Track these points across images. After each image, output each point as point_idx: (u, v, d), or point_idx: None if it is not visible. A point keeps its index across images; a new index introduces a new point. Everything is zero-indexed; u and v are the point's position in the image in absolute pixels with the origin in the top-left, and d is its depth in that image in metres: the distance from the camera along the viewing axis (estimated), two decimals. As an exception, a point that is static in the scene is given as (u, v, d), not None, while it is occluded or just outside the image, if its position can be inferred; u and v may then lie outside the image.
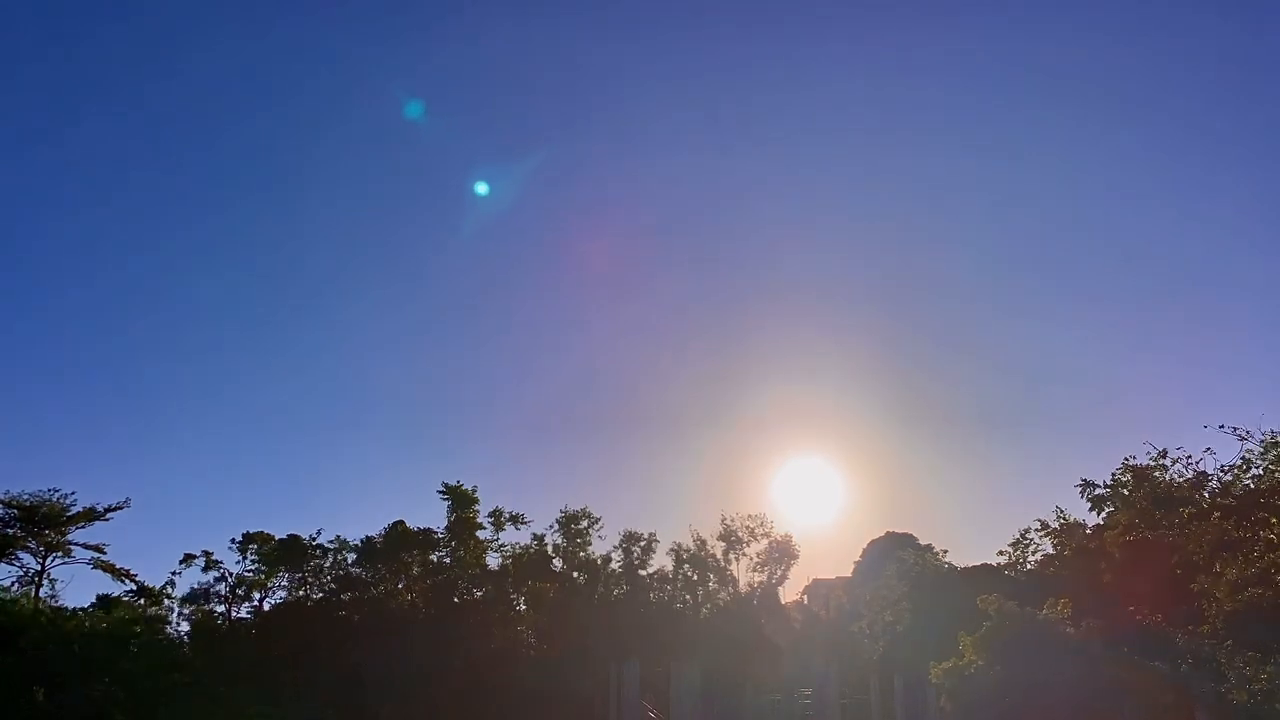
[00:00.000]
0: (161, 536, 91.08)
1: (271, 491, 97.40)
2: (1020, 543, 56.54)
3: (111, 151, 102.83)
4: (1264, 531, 14.80)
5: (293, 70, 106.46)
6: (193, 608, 48.34)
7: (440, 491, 48.72)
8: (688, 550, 63.39)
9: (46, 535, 42.75)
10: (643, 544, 62.21)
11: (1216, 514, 15.82)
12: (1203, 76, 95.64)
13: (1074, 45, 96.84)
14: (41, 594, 42.43)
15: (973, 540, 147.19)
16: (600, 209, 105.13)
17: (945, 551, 62.17)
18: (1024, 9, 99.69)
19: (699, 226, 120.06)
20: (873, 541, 77.44)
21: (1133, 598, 33.06)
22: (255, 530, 50.67)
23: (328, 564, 50.94)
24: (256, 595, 50.80)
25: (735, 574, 64.23)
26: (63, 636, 32.81)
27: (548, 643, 51.77)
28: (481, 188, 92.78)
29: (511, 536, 55.65)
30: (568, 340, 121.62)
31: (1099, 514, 47.27)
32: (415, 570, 47.30)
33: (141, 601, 44.06)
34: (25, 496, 42.18)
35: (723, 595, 63.80)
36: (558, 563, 60.23)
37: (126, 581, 44.32)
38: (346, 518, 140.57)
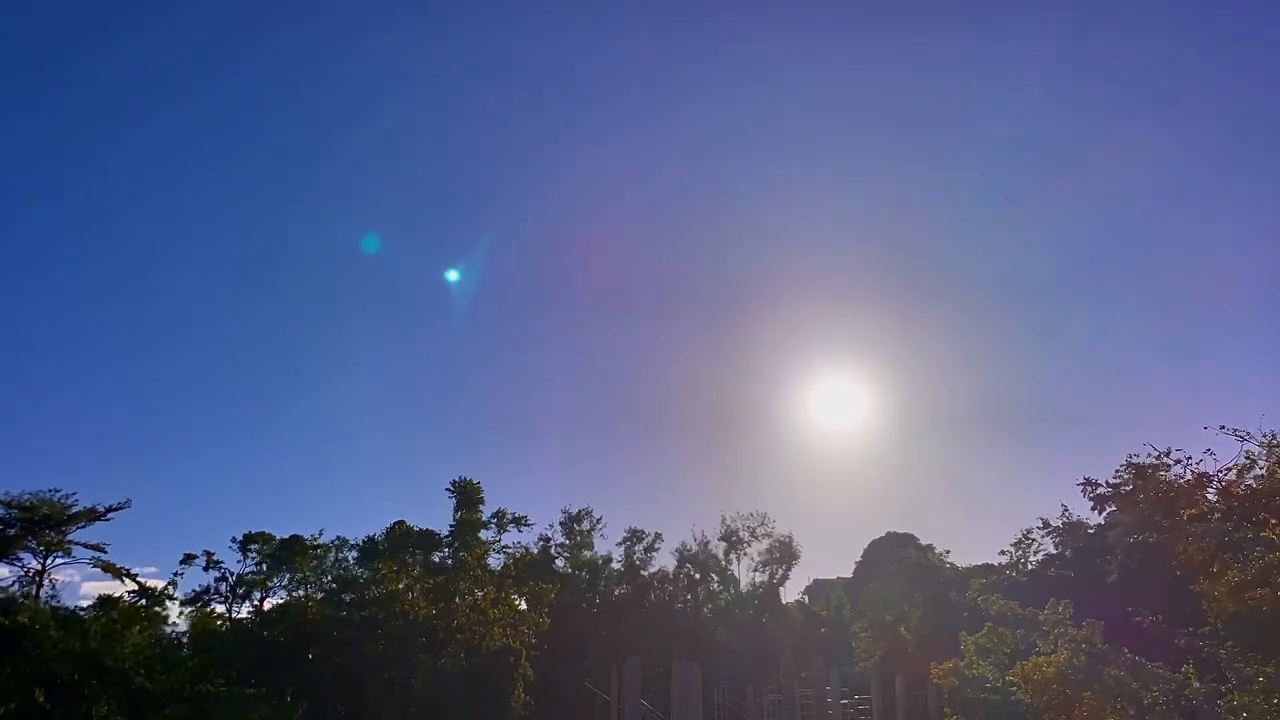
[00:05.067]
0: (161, 536, 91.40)
1: (272, 491, 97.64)
2: (1022, 543, 56.47)
3: (115, 162, 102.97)
4: (1265, 533, 14.70)
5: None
6: (193, 608, 48.34)
7: (447, 489, 48.82)
8: (689, 550, 63.41)
9: (47, 535, 42.66)
10: (645, 543, 62.22)
11: (1217, 515, 15.69)
12: (1206, 77, 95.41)
13: (1083, 45, 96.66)
14: (42, 594, 42.38)
15: (974, 540, 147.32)
16: (592, 220, 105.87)
17: (947, 551, 62.17)
18: (1031, 7, 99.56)
19: (696, 228, 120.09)
20: (873, 541, 77.45)
21: (1134, 598, 32.94)
22: (256, 530, 50.69)
23: (329, 564, 50.91)
24: (257, 595, 50.77)
25: (737, 574, 64.23)
26: (63, 636, 32.73)
27: (549, 642, 51.68)
28: (452, 275, 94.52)
29: (514, 538, 55.66)
30: (568, 344, 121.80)
31: (1101, 514, 47.20)
32: (416, 570, 47.20)
33: (142, 601, 43.98)
34: (26, 496, 42.13)
35: (724, 595, 63.73)
36: (560, 562, 60.21)
37: (127, 581, 44.24)
38: (347, 518, 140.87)
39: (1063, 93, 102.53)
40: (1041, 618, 25.83)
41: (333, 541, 51.09)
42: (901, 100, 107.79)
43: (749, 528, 63.81)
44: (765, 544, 63.84)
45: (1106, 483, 22.06)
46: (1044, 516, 54.11)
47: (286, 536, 50.35)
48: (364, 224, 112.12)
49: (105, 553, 43.88)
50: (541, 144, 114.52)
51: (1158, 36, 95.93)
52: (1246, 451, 15.49)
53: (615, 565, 61.73)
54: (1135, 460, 19.17)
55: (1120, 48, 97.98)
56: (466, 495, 48.49)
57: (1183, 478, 16.95)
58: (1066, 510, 52.64)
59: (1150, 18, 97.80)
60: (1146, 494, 18.13)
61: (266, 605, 50.30)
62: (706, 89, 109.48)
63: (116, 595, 42.71)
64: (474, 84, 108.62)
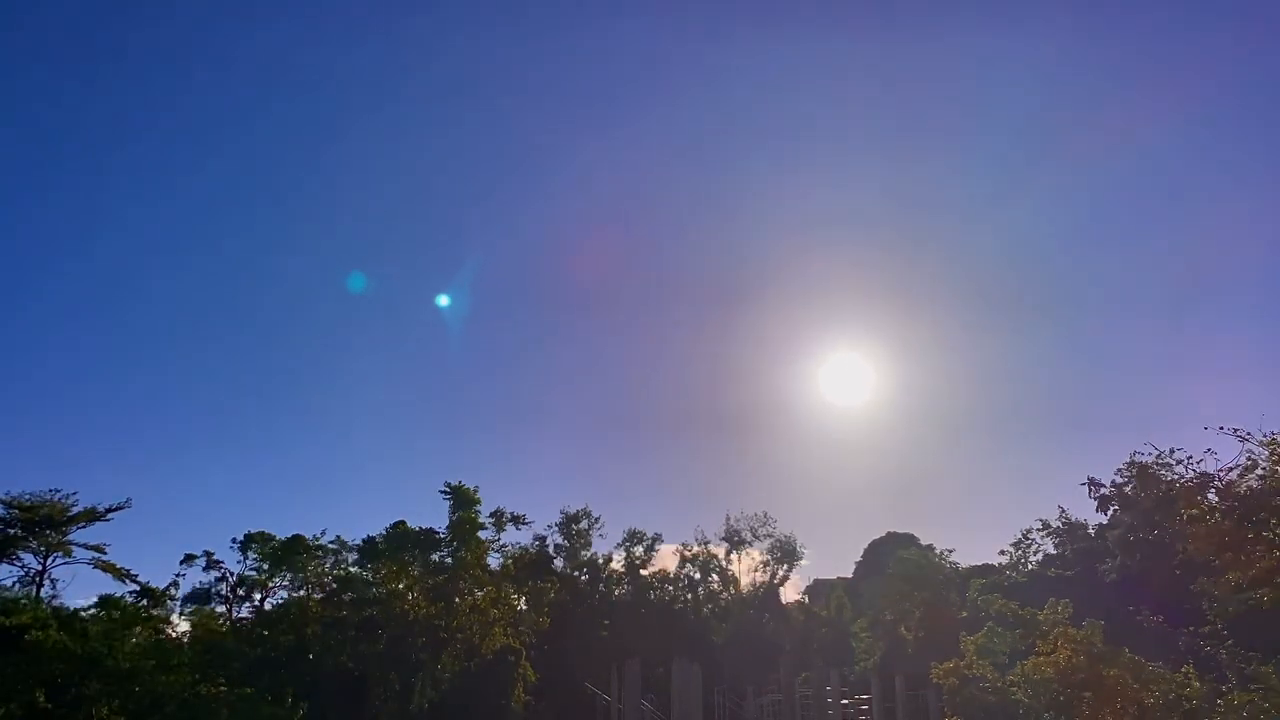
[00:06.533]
0: (161, 536, 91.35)
1: (272, 491, 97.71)
2: (1022, 543, 56.54)
3: (115, 154, 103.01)
4: (1266, 533, 14.70)
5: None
6: (193, 608, 48.36)
7: (442, 491, 48.68)
8: (690, 550, 63.53)
9: (48, 535, 42.69)
10: (645, 544, 62.37)
11: (1218, 515, 15.71)
12: (1207, 76, 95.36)
13: (1083, 47, 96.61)
14: (43, 594, 42.41)
15: (974, 540, 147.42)
16: (586, 222, 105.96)
17: (947, 551, 62.29)
18: (1034, 7, 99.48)
19: (692, 227, 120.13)
20: (874, 541, 77.50)
21: (1134, 598, 33.00)
22: (256, 530, 50.69)
23: (329, 564, 50.92)
24: (257, 595, 50.80)
25: (737, 574, 64.40)
26: (64, 637, 32.74)
27: (549, 643, 51.69)
28: (443, 300, 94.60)
29: (513, 537, 55.70)
30: (563, 347, 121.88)
31: (1105, 514, 47.21)
32: (416, 570, 47.24)
33: (142, 602, 43.99)
34: (26, 496, 42.16)
35: (724, 595, 63.84)
36: (559, 562, 60.32)
37: (127, 582, 44.25)
38: (347, 518, 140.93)
39: (1069, 85, 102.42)
40: (1041, 618, 25.83)
41: (332, 542, 51.13)
42: (902, 90, 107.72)
43: (750, 528, 64.02)
44: (766, 544, 64.05)
45: (1110, 483, 22.10)
46: (1043, 517, 54.23)
47: (287, 537, 50.37)
48: (358, 231, 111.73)
49: (105, 553, 43.95)
50: (527, 150, 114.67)
51: (1156, 38, 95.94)
52: (1248, 452, 15.50)
53: (615, 565, 61.93)
54: (1138, 458, 19.21)
55: (1132, 37, 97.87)
56: (462, 497, 48.43)
57: (1184, 478, 16.97)
58: (1065, 511, 52.74)
59: (1152, 20, 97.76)
60: (1148, 494, 18.17)
61: (267, 606, 50.36)
62: (696, 84, 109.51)
63: (117, 595, 42.74)
64: (450, 94, 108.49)
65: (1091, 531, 49.64)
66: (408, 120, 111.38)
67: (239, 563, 50.02)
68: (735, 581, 64.13)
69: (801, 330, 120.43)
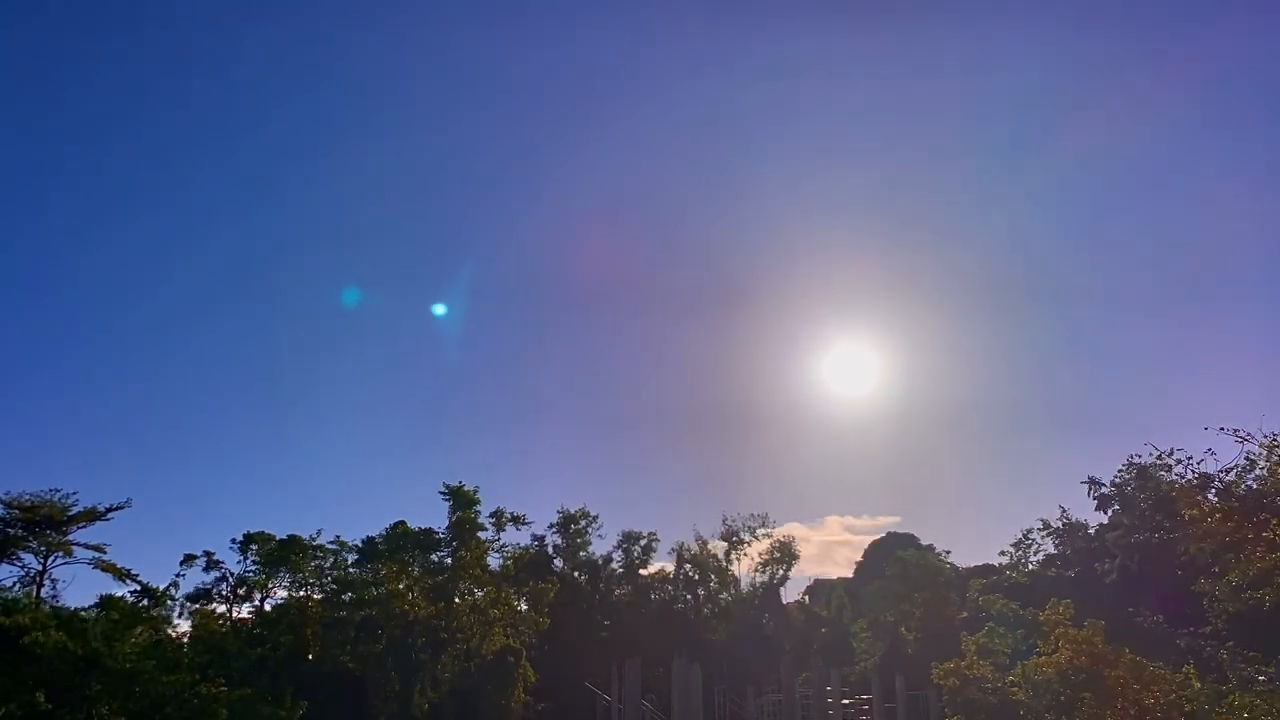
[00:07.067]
0: (161, 536, 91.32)
1: (272, 491, 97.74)
2: (1022, 543, 56.61)
3: (116, 159, 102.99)
4: (1266, 533, 14.70)
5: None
6: (193, 608, 48.32)
7: (441, 492, 48.59)
8: (689, 550, 63.54)
9: (48, 535, 42.57)
10: (642, 544, 62.35)
11: (1218, 515, 15.70)
12: (1208, 77, 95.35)
13: (1082, 41, 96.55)
14: (43, 594, 42.32)
15: (974, 540, 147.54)
16: (582, 223, 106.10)
17: (947, 551, 62.41)
18: (1038, 6, 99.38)
19: (690, 227, 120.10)
20: (874, 542, 77.71)
21: (1134, 599, 33.04)
22: (256, 530, 50.62)
23: (328, 564, 50.90)
24: (257, 595, 50.75)
25: (736, 574, 64.39)
26: (63, 637, 32.69)
27: (549, 643, 51.69)
28: (439, 309, 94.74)
29: (512, 537, 55.66)
30: (564, 344, 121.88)
31: (1105, 513, 47.27)
32: (416, 571, 47.21)
33: (143, 602, 43.93)
34: (26, 496, 42.06)
35: (724, 595, 63.83)
36: (558, 563, 60.31)
37: (128, 582, 44.13)
38: (347, 518, 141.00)
39: (1069, 80, 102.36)
40: (1042, 618, 25.85)
41: (332, 542, 51.11)
42: (902, 85, 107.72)
43: (749, 527, 64.03)
44: (765, 544, 64.09)
45: (1110, 483, 22.09)
46: (1044, 517, 54.28)
47: (286, 537, 50.31)
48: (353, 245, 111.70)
49: (105, 553, 43.86)
50: (522, 153, 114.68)
51: (1157, 38, 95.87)
52: (1248, 452, 15.48)
53: (615, 566, 61.93)
54: (1137, 460, 19.21)
55: (1132, 32, 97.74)
56: (461, 498, 48.34)
57: (1184, 478, 16.97)
58: (1066, 511, 52.79)
59: (1154, 21, 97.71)
60: (1147, 494, 18.18)
61: (267, 606, 50.35)
62: (693, 81, 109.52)
63: (118, 595, 42.67)
64: (444, 98, 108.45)
65: (1092, 531, 49.65)
66: (402, 124, 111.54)
67: (239, 563, 49.99)
68: (735, 581, 64.17)
69: (799, 330, 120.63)
